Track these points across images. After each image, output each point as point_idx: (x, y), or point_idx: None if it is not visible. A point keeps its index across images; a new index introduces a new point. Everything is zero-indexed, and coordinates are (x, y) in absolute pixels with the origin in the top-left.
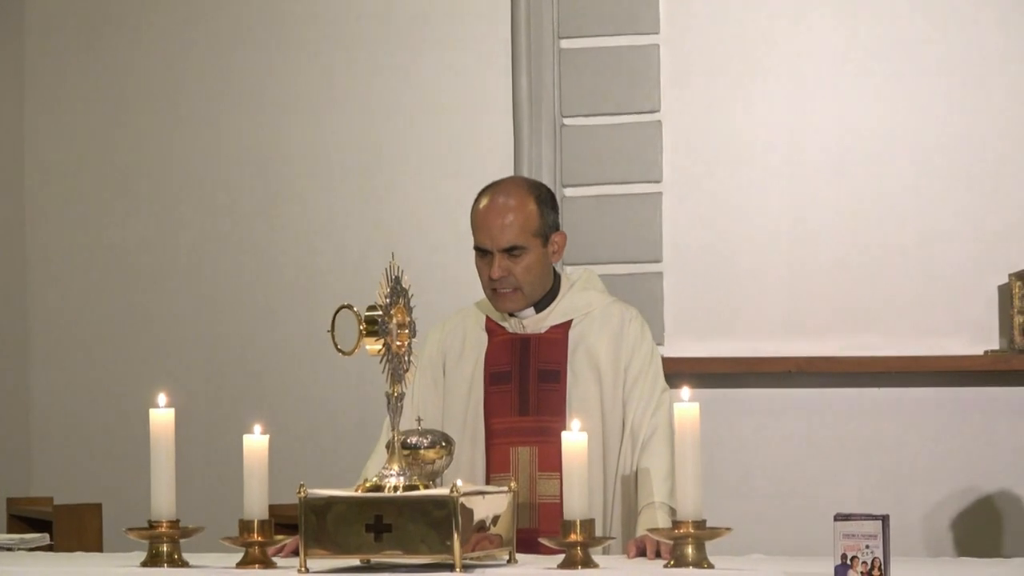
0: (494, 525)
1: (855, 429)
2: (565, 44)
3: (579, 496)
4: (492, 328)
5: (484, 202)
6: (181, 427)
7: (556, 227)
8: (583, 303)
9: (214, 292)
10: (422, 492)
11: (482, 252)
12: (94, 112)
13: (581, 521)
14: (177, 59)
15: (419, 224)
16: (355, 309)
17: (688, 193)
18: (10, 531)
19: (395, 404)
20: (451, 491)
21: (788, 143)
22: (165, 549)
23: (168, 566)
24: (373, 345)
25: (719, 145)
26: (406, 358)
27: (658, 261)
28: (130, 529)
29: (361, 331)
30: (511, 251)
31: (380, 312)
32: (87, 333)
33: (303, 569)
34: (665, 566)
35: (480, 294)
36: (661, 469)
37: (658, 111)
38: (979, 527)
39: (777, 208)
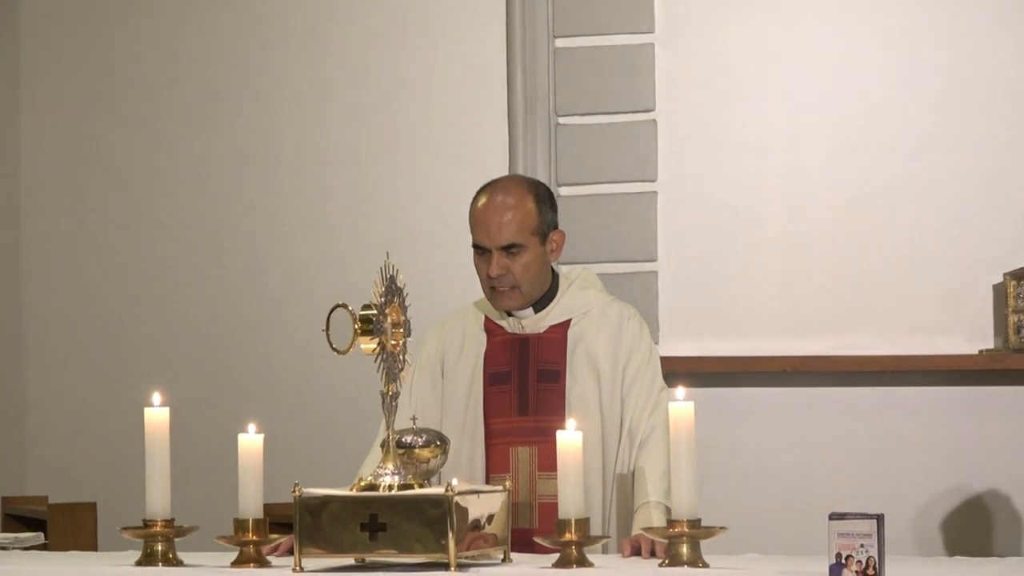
0: (489, 524)
1: (850, 428)
2: (560, 43)
3: (574, 495)
4: (491, 328)
5: (482, 200)
6: (176, 426)
7: (555, 225)
8: (582, 302)
9: (209, 291)
10: (417, 491)
11: (480, 250)
12: (88, 110)
13: (576, 520)
14: (172, 59)
15: (414, 223)
16: (350, 308)
17: (683, 192)
18: (4, 530)
19: (390, 403)
20: (446, 490)
21: (783, 143)
22: (160, 548)
23: (163, 565)
24: (368, 344)
25: (714, 144)
26: (401, 357)
27: (653, 260)
28: (125, 528)
29: (356, 330)
30: (509, 249)
31: (375, 311)
32: (82, 332)
33: (298, 568)
34: (660, 565)
35: (477, 293)
36: (657, 468)
37: (653, 110)
38: (973, 526)
39: (772, 207)
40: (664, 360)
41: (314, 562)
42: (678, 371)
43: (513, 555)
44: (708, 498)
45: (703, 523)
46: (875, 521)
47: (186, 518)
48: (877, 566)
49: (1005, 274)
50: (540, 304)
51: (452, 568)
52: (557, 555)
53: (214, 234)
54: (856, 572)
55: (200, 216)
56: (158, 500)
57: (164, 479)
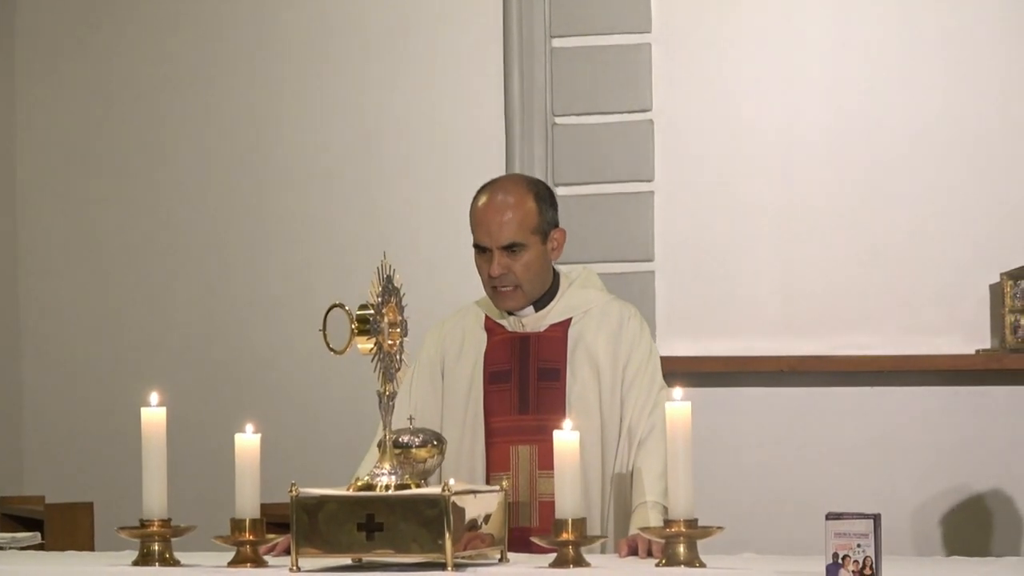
0: (486, 524)
1: (847, 428)
2: (557, 43)
3: (571, 495)
4: (491, 327)
5: (483, 199)
6: (173, 426)
7: (555, 224)
8: (582, 301)
9: (206, 291)
10: (414, 491)
11: (481, 250)
12: (85, 108)
13: (573, 520)
14: (170, 59)
15: (411, 223)
16: (347, 308)
17: (680, 192)
18: (1, 530)
19: (387, 403)
20: (442, 490)
21: (780, 142)
22: (157, 548)
23: (160, 565)
24: (365, 344)
25: (711, 144)
26: (398, 357)
27: (650, 260)
28: (122, 528)
29: (353, 330)
30: (510, 248)
31: (372, 311)
32: (79, 331)
33: (294, 568)
34: (657, 565)
35: (474, 293)
36: (656, 468)
37: (650, 110)
38: (970, 526)
39: (769, 207)
40: (661, 360)
41: (311, 562)
42: (675, 371)
43: (510, 555)
44: (705, 498)
45: (700, 523)
46: (872, 521)
47: (183, 518)
48: (874, 566)
49: (1002, 274)
50: (541, 303)
51: (449, 568)
52: (554, 555)
53: (211, 234)
54: (853, 572)
55: (197, 215)
56: (155, 500)
57: (161, 479)
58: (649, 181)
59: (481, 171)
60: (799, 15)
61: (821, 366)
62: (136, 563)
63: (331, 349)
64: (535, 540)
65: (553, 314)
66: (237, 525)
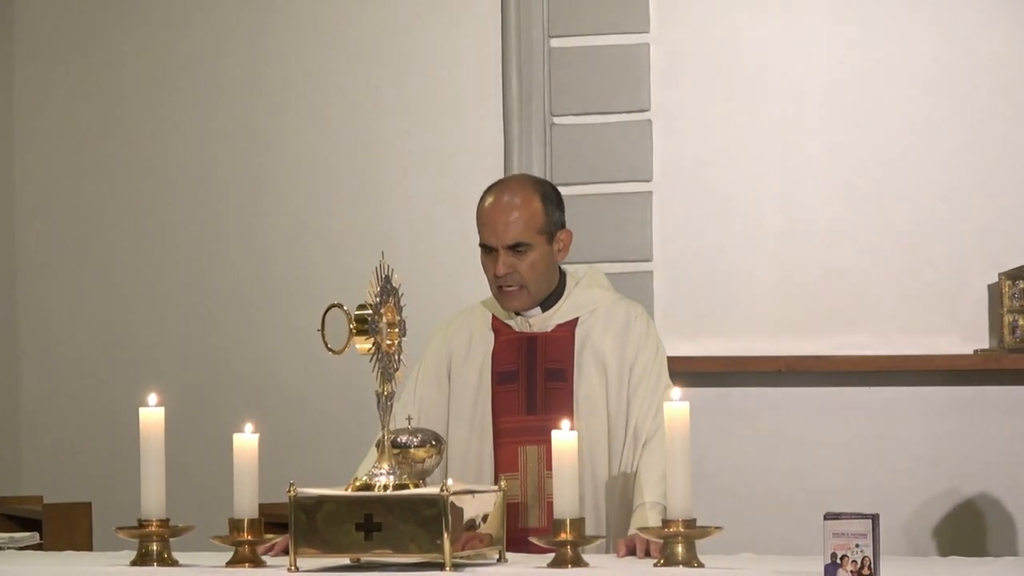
0: (484, 524)
1: (845, 428)
2: (555, 43)
3: (569, 495)
4: (498, 327)
5: (489, 200)
6: (171, 426)
7: (562, 225)
8: (589, 301)
9: (205, 291)
10: (412, 491)
11: (487, 249)
12: (83, 109)
13: (571, 520)
14: (169, 60)
15: (410, 223)
16: (345, 308)
17: (678, 192)
18: (0, 530)
19: (385, 403)
20: (441, 490)
21: (778, 142)
22: (155, 548)
23: (158, 565)
24: (363, 344)
25: (709, 144)
26: (396, 357)
27: (648, 260)
28: (120, 528)
29: (351, 330)
30: (516, 248)
31: (370, 311)
32: (77, 331)
33: (293, 568)
34: (655, 565)
35: (472, 292)
36: (658, 469)
37: (648, 110)
38: (968, 526)
39: (767, 207)
40: None
41: (309, 562)
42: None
43: (509, 555)
44: (703, 498)
45: (698, 523)
46: (870, 521)
47: (181, 518)
48: (872, 566)
49: (1000, 274)
50: (547, 303)
51: (447, 568)
52: (552, 555)
53: (210, 235)
54: (851, 572)
55: (196, 216)
56: (153, 500)
57: (159, 479)
58: (647, 181)
59: (480, 171)
60: (798, 15)
61: (819, 366)
62: (134, 563)
63: (329, 349)
64: (533, 540)
65: (560, 314)
66: (235, 525)
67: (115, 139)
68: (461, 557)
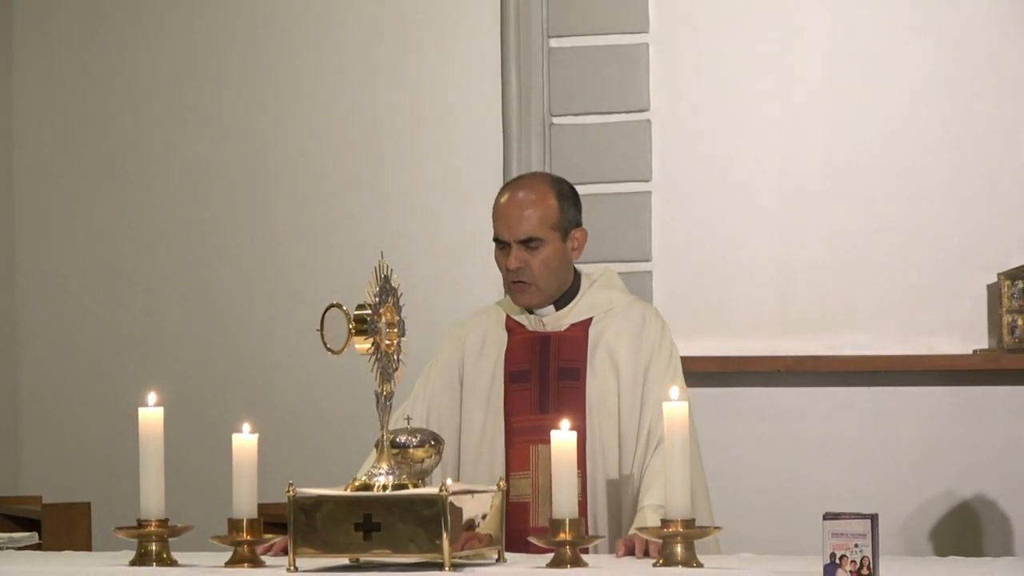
0: (483, 524)
1: (844, 428)
2: (554, 43)
3: (568, 495)
4: (512, 326)
5: (505, 196)
6: (170, 426)
7: (577, 223)
8: (603, 301)
9: (204, 291)
10: (411, 491)
11: (501, 244)
12: (84, 108)
13: (570, 520)
14: (170, 59)
15: (410, 223)
16: (344, 308)
17: (677, 192)
18: None
19: (384, 403)
20: (440, 490)
21: (777, 143)
22: (154, 548)
23: (157, 565)
24: (362, 344)
25: (708, 144)
26: (395, 357)
27: (647, 260)
28: (119, 528)
29: (350, 330)
30: (528, 243)
31: (369, 311)
32: (76, 331)
33: (292, 568)
34: (654, 565)
35: (472, 291)
36: (662, 472)
37: (647, 110)
38: (967, 526)
39: (766, 207)
40: None
41: (308, 562)
42: None
43: (507, 554)
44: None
45: (697, 523)
46: (869, 521)
47: (180, 518)
48: (871, 566)
49: (999, 274)
50: (561, 302)
51: (446, 568)
52: (551, 554)
53: (209, 234)
54: (850, 572)
55: (195, 216)
56: (152, 500)
57: (158, 479)
58: (646, 181)
59: (479, 171)
60: (796, 15)
61: (818, 366)
62: (133, 563)
63: (328, 349)
64: (532, 540)
65: (574, 313)
66: (234, 525)
67: (115, 139)
68: (460, 557)
